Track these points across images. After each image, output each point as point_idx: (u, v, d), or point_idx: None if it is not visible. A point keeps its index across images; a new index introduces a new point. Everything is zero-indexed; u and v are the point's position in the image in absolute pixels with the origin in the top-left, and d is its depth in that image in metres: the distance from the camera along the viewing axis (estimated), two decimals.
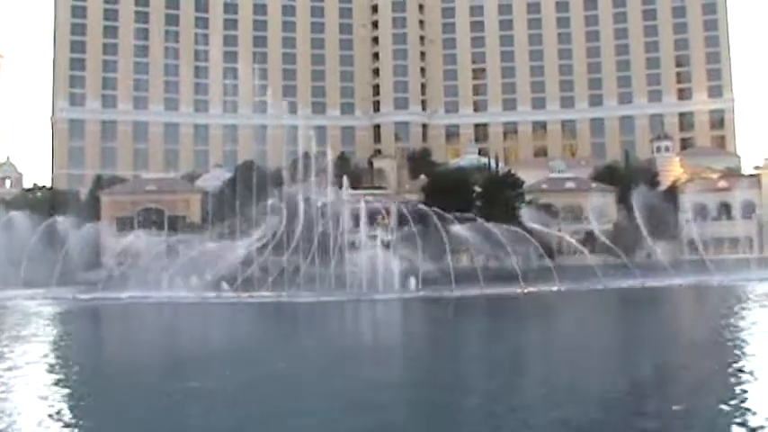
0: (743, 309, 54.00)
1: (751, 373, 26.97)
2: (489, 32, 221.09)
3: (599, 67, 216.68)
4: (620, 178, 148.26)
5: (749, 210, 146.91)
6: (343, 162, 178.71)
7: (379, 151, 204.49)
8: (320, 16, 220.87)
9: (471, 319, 55.00)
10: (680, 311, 57.17)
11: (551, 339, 40.37)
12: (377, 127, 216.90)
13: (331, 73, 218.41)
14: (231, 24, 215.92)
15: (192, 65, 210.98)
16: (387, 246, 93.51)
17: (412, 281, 79.84)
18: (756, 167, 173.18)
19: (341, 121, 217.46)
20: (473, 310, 60.98)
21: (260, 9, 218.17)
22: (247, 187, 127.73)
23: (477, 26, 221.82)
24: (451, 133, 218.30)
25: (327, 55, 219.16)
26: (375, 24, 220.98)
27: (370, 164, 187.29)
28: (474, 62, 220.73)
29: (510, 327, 48.21)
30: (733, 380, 25.78)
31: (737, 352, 32.81)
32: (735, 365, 28.92)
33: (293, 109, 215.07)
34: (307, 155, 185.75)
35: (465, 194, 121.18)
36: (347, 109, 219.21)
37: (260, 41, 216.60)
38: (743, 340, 36.61)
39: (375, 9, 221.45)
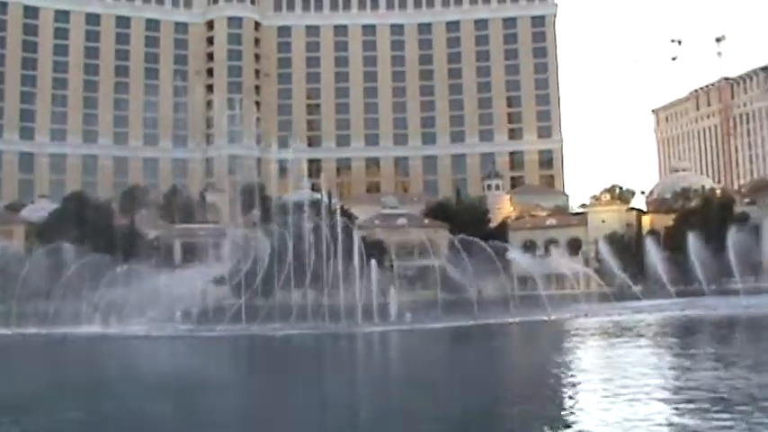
0: (572, 344, 53.14)
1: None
2: (325, 68, 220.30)
3: (432, 105, 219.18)
4: (452, 215, 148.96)
5: (576, 247, 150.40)
6: (174, 195, 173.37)
7: (212, 184, 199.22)
8: (154, 47, 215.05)
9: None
10: (506, 349, 55.76)
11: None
12: (209, 160, 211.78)
13: (164, 104, 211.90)
14: (62, 50, 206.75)
15: (19, 89, 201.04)
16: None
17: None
18: (583, 206, 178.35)
19: (173, 153, 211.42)
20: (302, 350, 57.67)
21: (92, 35, 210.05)
22: (76, 218, 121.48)
23: (313, 61, 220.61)
24: (285, 168, 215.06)
25: (162, 85, 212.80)
26: (210, 56, 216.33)
27: (203, 197, 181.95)
28: (309, 97, 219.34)
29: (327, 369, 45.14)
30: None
31: (560, 388, 31.06)
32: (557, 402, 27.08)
33: (123, 140, 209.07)
34: (137, 187, 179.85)
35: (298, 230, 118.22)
36: (180, 141, 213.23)
37: (91, 70, 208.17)
38: (569, 376, 35.09)
39: (210, 41, 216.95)
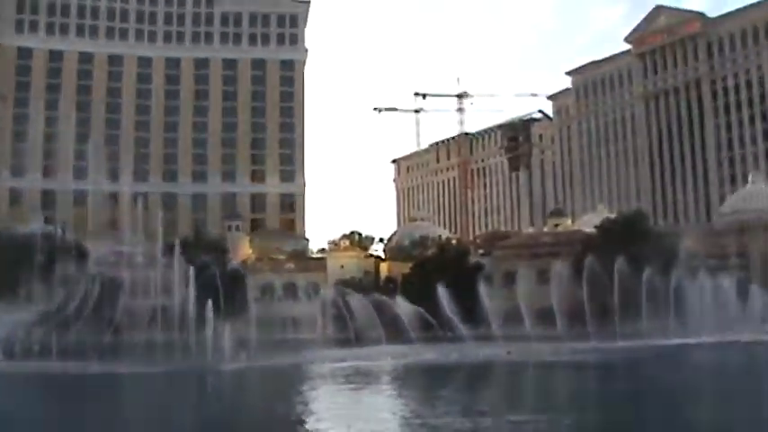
0: (311, 389, 53.36)
1: None
2: (66, 95, 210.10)
3: (175, 143, 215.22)
4: (191, 254, 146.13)
5: (314, 291, 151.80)
6: None
7: None
8: None
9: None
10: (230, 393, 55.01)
11: None
12: None
13: None
14: None
15: None
16: None
17: None
18: (322, 250, 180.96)
19: None
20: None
21: None
22: None
23: (53, 88, 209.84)
24: (17, 198, 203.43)
25: None
26: None
27: None
28: (47, 126, 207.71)
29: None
30: None
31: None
32: None
33: None
34: None
35: (27, 265, 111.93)
36: None
37: None
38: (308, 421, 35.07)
39: None
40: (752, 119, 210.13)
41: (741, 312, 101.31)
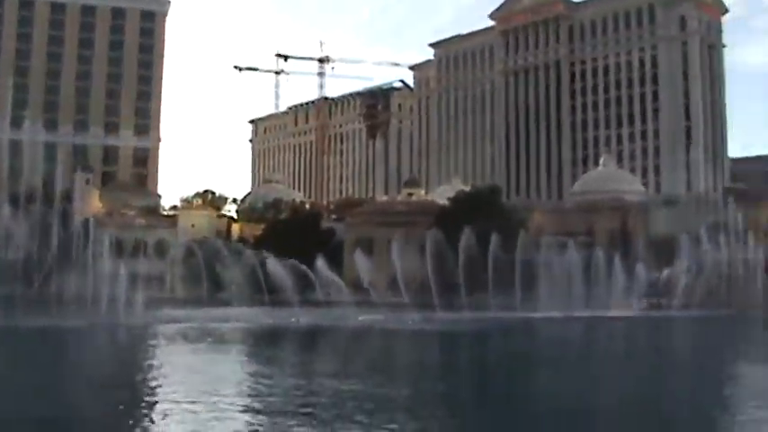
0: (154, 350, 53.24)
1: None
2: None
3: (26, 88, 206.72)
4: (36, 206, 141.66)
5: (164, 249, 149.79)
6: None
7: None
8: None
9: None
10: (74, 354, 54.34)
11: None
12: None
13: None
14: None
15: None
16: None
17: None
18: (174, 208, 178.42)
19: None
20: None
21: None
22: None
23: None
24: None
25: None
26: None
27: None
28: None
29: None
30: None
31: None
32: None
33: None
34: None
35: None
36: None
37: None
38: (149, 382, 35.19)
39: None
40: (607, 103, 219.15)
41: (587, 289, 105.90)
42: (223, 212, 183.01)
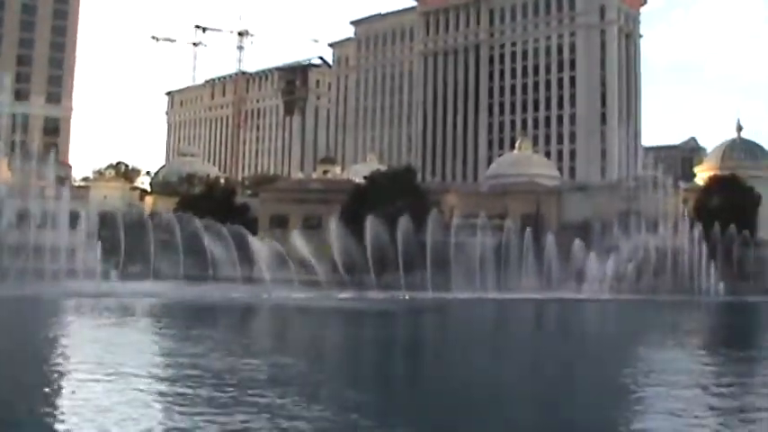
0: (65, 323, 52.67)
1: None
2: None
3: None
4: None
5: (75, 221, 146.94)
6: None
7: None
8: None
9: None
10: None
11: None
12: None
13: None
14: None
15: None
16: None
17: None
18: (85, 179, 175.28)
19: None
20: None
21: None
22: None
23: None
24: None
25: None
26: None
27: None
28: None
29: None
30: None
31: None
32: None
33: None
34: None
35: None
36: None
37: None
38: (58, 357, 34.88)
39: None
40: (524, 87, 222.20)
41: (498, 271, 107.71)
42: (136, 185, 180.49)
